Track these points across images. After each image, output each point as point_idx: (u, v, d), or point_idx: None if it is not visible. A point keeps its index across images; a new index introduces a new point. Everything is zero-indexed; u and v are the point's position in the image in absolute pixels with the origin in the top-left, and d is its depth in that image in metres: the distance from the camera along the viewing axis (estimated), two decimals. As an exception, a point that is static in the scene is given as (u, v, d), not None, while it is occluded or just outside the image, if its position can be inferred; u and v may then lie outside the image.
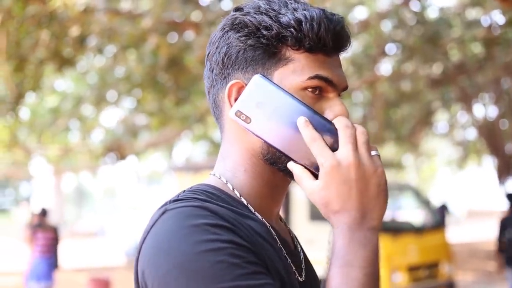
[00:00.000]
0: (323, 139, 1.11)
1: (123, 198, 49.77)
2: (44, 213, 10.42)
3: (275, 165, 1.20)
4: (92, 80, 13.61)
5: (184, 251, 1.03)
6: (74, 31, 8.73)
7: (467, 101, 18.25)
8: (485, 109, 19.62)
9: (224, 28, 1.22)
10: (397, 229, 10.28)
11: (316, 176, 1.12)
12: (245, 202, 1.22)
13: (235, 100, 1.19)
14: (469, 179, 45.50)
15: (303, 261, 1.31)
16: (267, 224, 1.22)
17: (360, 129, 1.12)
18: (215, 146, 18.60)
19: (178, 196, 1.16)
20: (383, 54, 12.06)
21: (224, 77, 1.22)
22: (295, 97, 1.15)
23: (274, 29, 1.16)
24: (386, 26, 11.48)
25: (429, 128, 21.10)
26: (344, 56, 1.25)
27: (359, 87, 12.71)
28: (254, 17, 1.17)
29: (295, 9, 1.16)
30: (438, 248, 10.34)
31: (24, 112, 14.52)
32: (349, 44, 1.22)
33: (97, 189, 55.15)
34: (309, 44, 1.15)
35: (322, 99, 1.19)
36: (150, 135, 17.25)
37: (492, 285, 12.78)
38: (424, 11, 10.81)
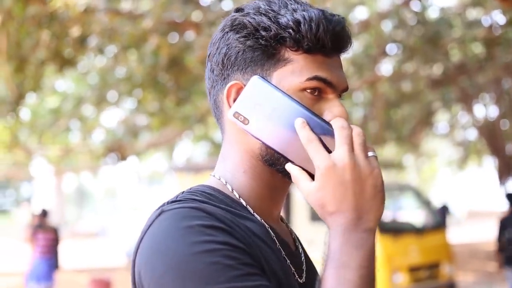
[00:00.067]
0: (321, 140, 1.11)
1: (124, 198, 49.80)
2: (44, 213, 10.43)
3: (273, 167, 1.20)
4: (93, 80, 13.61)
5: (179, 252, 1.03)
6: (75, 31, 8.73)
7: (467, 101, 18.25)
8: (485, 109, 19.61)
9: (224, 29, 1.22)
10: (397, 230, 10.28)
11: (313, 178, 1.11)
12: (244, 203, 1.22)
13: (234, 101, 1.19)
14: (469, 179, 45.52)
15: (304, 263, 1.31)
16: (266, 225, 1.22)
17: (356, 130, 1.11)
18: (216, 147, 18.60)
19: (176, 197, 1.17)
20: (384, 54, 12.06)
21: (224, 78, 1.22)
22: (293, 98, 1.14)
23: (272, 30, 1.16)
24: (387, 26, 11.48)
25: (430, 128, 21.10)
26: (344, 56, 1.25)
27: (359, 87, 12.71)
28: (253, 18, 1.17)
29: (294, 10, 1.16)
30: (439, 249, 10.34)
31: (25, 113, 14.53)
32: (350, 45, 1.22)
33: (97, 190, 55.19)
34: (308, 45, 1.15)
35: (321, 100, 1.18)
36: (150, 136, 17.25)
37: (493, 286, 12.77)
38: (425, 11, 10.81)
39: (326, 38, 1.15)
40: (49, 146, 16.82)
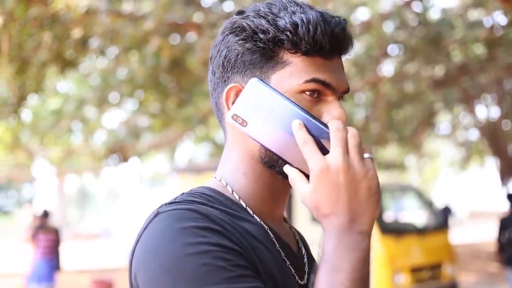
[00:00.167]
0: (319, 142, 1.12)
1: (125, 199, 49.88)
2: (45, 215, 10.44)
3: (273, 168, 1.21)
4: (95, 82, 13.62)
5: (171, 253, 1.04)
6: (76, 33, 8.73)
7: (469, 102, 18.24)
8: (487, 110, 19.60)
9: (225, 32, 1.23)
10: (399, 230, 10.28)
11: None
12: (243, 204, 1.23)
13: (233, 103, 1.19)
14: (471, 180, 45.49)
15: (307, 264, 1.31)
16: (265, 226, 1.22)
17: (351, 132, 1.11)
18: (218, 148, 18.60)
19: (175, 199, 1.17)
20: (386, 55, 12.06)
21: (225, 81, 1.23)
22: (291, 100, 1.15)
23: (270, 33, 1.16)
24: (389, 27, 11.48)
25: (432, 129, 21.08)
26: (346, 57, 1.25)
27: (361, 88, 12.70)
28: (252, 20, 1.18)
29: (293, 12, 1.16)
30: (441, 249, 10.33)
31: (27, 114, 14.53)
32: (350, 47, 1.22)
33: (100, 191, 55.26)
34: (306, 47, 1.15)
35: (320, 102, 1.18)
36: (152, 137, 17.25)
37: (495, 286, 12.76)
38: (426, 12, 10.80)
39: (324, 40, 1.15)
40: (51, 147, 16.82)
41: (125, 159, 15.53)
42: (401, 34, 10.92)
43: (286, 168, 1.15)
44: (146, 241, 1.09)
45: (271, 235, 1.22)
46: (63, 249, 10.83)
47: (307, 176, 1.12)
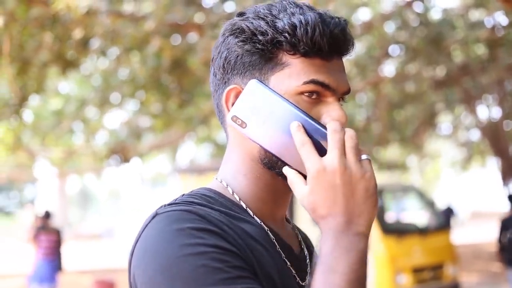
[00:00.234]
0: (316, 144, 1.12)
1: (127, 200, 49.89)
2: (47, 215, 10.45)
3: (273, 170, 1.21)
4: (96, 82, 13.61)
5: (168, 254, 1.05)
6: (77, 33, 8.72)
7: (470, 102, 18.23)
8: (488, 110, 19.59)
9: (225, 34, 1.24)
10: (401, 231, 10.28)
11: None
12: (244, 205, 1.23)
13: (233, 105, 1.20)
14: (473, 180, 45.45)
15: (309, 265, 1.30)
16: (265, 227, 1.22)
17: (349, 133, 1.11)
18: (219, 148, 18.60)
19: (175, 200, 1.18)
20: (387, 55, 12.04)
21: (225, 82, 1.24)
22: (290, 102, 1.15)
23: (269, 34, 1.16)
24: (390, 27, 11.47)
25: (433, 129, 21.06)
26: (347, 58, 1.24)
27: (362, 89, 12.70)
28: (251, 22, 1.18)
29: (292, 14, 1.16)
30: (443, 250, 10.34)
31: (28, 115, 14.53)
32: (350, 47, 1.22)
33: (101, 191, 55.28)
34: (304, 48, 1.15)
35: (320, 104, 1.19)
36: (154, 137, 17.25)
37: (497, 287, 12.75)
38: (428, 12, 10.78)
39: (323, 41, 1.15)
40: (52, 148, 16.83)
41: (126, 159, 15.53)
42: (402, 35, 10.91)
43: (285, 170, 1.15)
44: (144, 242, 1.10)
45: (271, 236, 1.22)
46: (64, 249, 10.83)
47: (306, 178, 1.12)
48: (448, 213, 17.49)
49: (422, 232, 10.34)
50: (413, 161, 29.35)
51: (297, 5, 1.18)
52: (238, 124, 1.16)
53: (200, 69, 9.73)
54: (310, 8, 1.19)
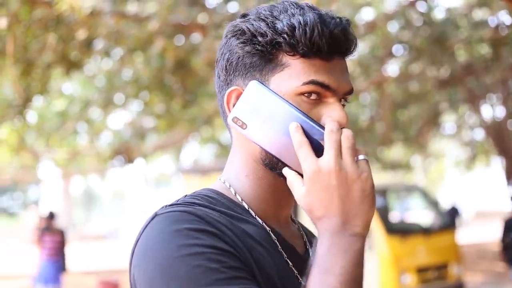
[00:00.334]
0: (315, 145, 1.12)
1: (131, 200, 49.93)
2: (51, 216, 10.47)
3: (274, 170, 1.22)
4: (100, 83, 13.62)
5: (165, 255, 1.05)
6: (81, 34, 8.73)
7: (474, 101, 18.20)
8: (492, 109, 19.56)
9: (227, 35, 1.24)
10: (405, 230, 10.27)
11: None
12: (246, 206, 1.24)
13: (234, 106, 1.20)
14: (477, 180, 45.38)
15: None
16: (267, 228, 1.22)
17: (345, 134, 1.10)
18: (223, 148, 18.61)
19: (177, 201, 1.19)
20: (390, 55, 12.03)
21: (227, 83, 1.24)
22: (290, 103, 1.15)
23: (268, 36, 1.17)
24: (393, 27, 11.45)
25: (437, 129, 21.04)
26: (350, 58, 1.24)
27: (366, 89, 12.68)
28: (252, 23, 1.19)
29: (292, 14, 1.16)
30: (447, 249, 10.32)
31: (32, 116, 14.57)
32: (351, 47, 1.21)
33: (105, 192, 55.37)
34: (303, 49, 1.15)
35: (321, 104, 1.19)
36: (157, 138, 17.27)
37: (501, 286, 12.73)
38: (431, 12, 10.77)
39: (322, 42, 1.15)
40: (57, 149, 16.85)
41: (130, 160, 15.55)
42: (405, 34, 10.90)
43: (285, 171, 1.16)
44: (143, 242, 1.11)
45: (273, 236, 1.22)
46: (69, 250, 10.85)
47: None
48: (452, 212, 17.49)
49: (426, 232, 10.32)
50: (417, 160, 29.33)
51: (298, 6, 1.18)
52: (239, 125, 1.16)
53: (203, 70, 9.74)
54: (312, 9, 1.19)
